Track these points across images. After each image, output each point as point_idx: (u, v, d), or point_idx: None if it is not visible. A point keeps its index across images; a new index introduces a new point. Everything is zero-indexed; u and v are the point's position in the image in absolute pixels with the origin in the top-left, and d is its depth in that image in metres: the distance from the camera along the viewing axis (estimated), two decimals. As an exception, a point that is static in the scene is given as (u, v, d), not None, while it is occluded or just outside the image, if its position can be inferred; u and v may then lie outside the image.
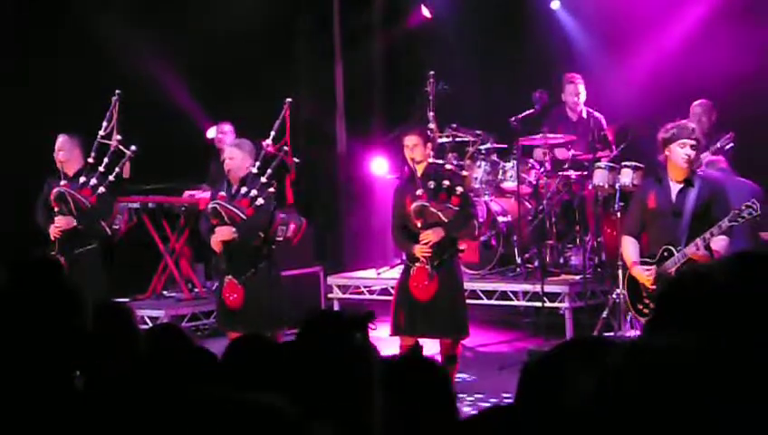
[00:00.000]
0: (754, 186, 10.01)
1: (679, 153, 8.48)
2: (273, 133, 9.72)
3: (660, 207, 8.67)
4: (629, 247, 8.83)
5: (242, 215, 9.45)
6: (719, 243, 8.33)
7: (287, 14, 14.17)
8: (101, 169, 10.02)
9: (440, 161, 9.22)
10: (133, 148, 10.14)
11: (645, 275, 8.63)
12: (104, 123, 10.24)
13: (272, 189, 9.52)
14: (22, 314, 2.90)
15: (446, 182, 8.92)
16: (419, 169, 9.01)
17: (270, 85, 12.65)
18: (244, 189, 9.52)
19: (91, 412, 2.82)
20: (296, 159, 9.84)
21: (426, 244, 8.87)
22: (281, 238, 9.71)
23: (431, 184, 8.93)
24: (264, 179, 9.52)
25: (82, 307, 2.98)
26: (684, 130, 8.50)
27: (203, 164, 12.87)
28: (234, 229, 9.44)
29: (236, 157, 9.63)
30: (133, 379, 3.98)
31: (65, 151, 10.12)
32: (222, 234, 9.46)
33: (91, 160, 10.07)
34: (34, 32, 12.94)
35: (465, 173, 9.93)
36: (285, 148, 9.76)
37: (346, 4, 14.74)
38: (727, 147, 11.02)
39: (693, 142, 8.49)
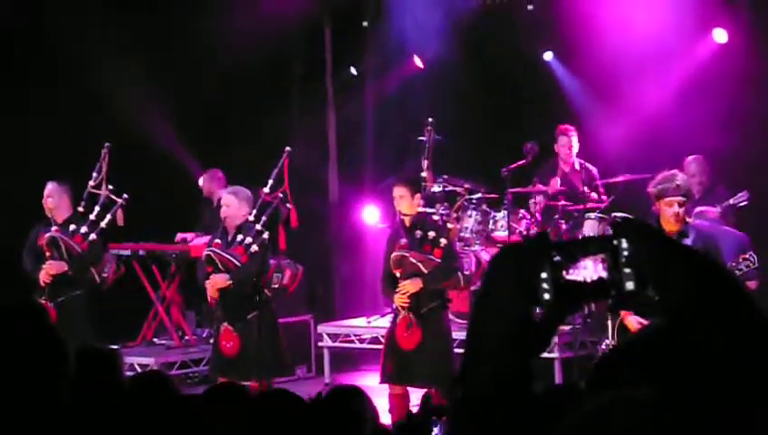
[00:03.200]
0: (742, 236, 10.03)
1: (667, 211, 8.45)
2: (270, 181, 9.78)
3: (654, 258, 8.65)
4: None
5: (236, 262, 9.49)
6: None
7: (280, 62, 14.24)
8: (92, 217, 10.06)
9: (430, 210, 9.28)
10: (125, 196, 10.19)
11: (637, 326, 8.65)
12: (94, 174, 10.31)
13: (265, 236, 9.57)
14: (5, 361, 2.91)
15: (432, 233, 8.98)
16: (407, 220, 9.07)
17: (262, 133, 12.72)
18: (239, 237, 9.56)
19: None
20: (289, 206, 9.89)
21: (403, 293, 8.93)
22: (276, 285, 9.74)
23: (418, 234, 8.99)
24: (258, 227, 9.56)
25: (66, 354, 2.99)
26: (669, 187, 8.40)
27: (194, 210, 12.89)
28: (228, 277, 9.47)
29: (232, 204, 9.68)
30: (114, 423, 4.01)
31: (53, 198, 10.16)
32: (216, 281, 9.50)
33: (81, 209, 10.12)
34: (30, 85, 12.96)
35: (450, 226, 10.00)
36: (280, 195, 9.81)
37: (339, 53, 14.82)
38: (741, 204, 11.02)
39: (680, 199, 8.42)
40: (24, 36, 12.72)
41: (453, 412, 1.99)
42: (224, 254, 9.51)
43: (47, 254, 10.00)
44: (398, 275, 9.01)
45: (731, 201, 10.98)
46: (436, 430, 4.08)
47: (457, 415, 1.97)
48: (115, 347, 11.01)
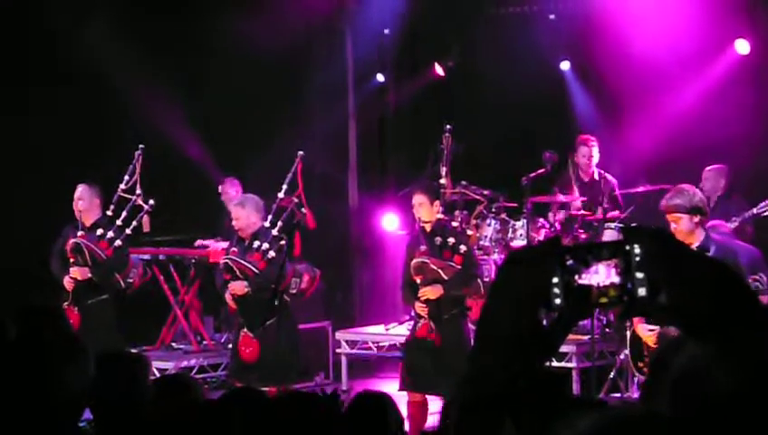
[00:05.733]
0: (756, 251, 9.99)
1: (674, 227, 8.41)
2: (285, 186, 9.82)
3: (671, 269, 8.61)
4: None
5: (254, 269, 9.51)
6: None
7: (301, 68, 14.27)
8: (119, 221, 10.09)
9: (448, 218, 9.30)
10: (151, 202, 10.23)
11: (648, 334, 8.65)
12: (126, 177, 10.34)
13: (282, 242, 9.59)
14: (24, 360, 2.93)
15: (452, 240, 8.99)
16: (427, 227, 9.09)
17: (283, 140, 12.74)
18: (256, 243, 9.59)
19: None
20: (304, 211, 9.90)
21: (423, 300, 8.94)
22: (294, 290, 9.77)
23: (437, 240, 9.00)
24: (275, 232, 9.58)
25: (83, 355, 3.01)
26: (667, 205, 8.35)
27: (215, 216, 12.93)
28: (246, 284, 9.50)
29: (241, 217, 9.69)
30: (140, 427, 4.03)
31: (84, 201, 10.16)
32: (235, 289, 9.53)
33: (109, 213, 10.14)
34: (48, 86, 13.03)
35: (470, 232, 10.00)
36: (296, 200, 9.85)
37: (359, 59, 14.85)
38: (765, 214, 10.96)
39: (675, 216, 8.28)
40: (49, 38, 12.77)
41: (457, 415, 1.98)
42: (241, 261, 9.54)
43: (71, 260, 10.02)
44: (418, 281, 9.02)
45: (754, 211, 10.93)
46: None
47: (461, 417, 1.97)
48: (134, 351, 11.10)
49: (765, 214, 11.01)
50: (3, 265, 11.87)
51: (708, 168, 11.41)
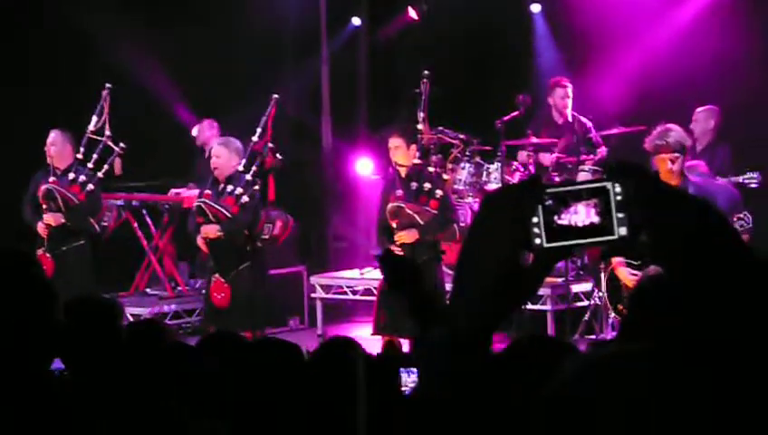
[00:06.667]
0: (735, 192, 10.02)
1: (661, 167, 8.49)
2: (259, 130, 9.79)
3: (651, 209, 8.66)
4: None
5: (227, 213, 9.50)
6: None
7: (276, 12, 14.17)
8: (90, 165, 10.06)
9: (424, 162, 9.27)
10: (122, 145, 10.18)
11: (630, 277, 8.69)
12: (94, 118, 10.28)
13: (256, 187, 9.57)
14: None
15: (428, 185, 8.97)
16: (402, 171, 9.06)
17: (256, 84, 12.67)
18: (230, 188, 9.58)
19: (69, 404, 2.84)
20: (279, 156, 9.89)
21: (399, 245, 8.92)
22: (267, 236, 9.76)
23: (413, 185, 8.99)
24: (248, 177, 9.56)
25: (53, 300, 2.98)
26: (660, 144, 8.43)
27: (189, 162, 12.87)
28: (218, 227, 9.49)
29: (222, 155, 9.69)
30: (113, 372, 4.02)
31: (56, 146, 10.14)
32: (207, 232, 9.52)
33: (79, 156, 10.10)
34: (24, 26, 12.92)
35: (446, 177, 9.96)
36: (270, 145, 9.81)
37: (333, 3, 14.76)
38: (751, 185, 10.80)
39: (672, 156, 8.42)
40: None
41: (428, 351, 1.96)
42: (214, 205, 9.52)
43: (44, 206, 9.99)
44: (393, 226, 9.00)
45: (740, 179, 10.80)
46: (405, 375, 4.06)
47: (434, 353, 1.95)
48: (108, 296, 11.07)
49: (752, 185, 10.86)
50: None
51: (699, 109, 11.34)
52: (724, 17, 12.23)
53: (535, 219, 1.89)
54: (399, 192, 8.95)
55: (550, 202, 1.89)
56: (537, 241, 1.89)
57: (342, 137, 14.85)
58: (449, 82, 12.11)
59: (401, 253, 8.89)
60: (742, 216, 8.36)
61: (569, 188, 1.92)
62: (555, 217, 1.89)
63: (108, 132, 10.20)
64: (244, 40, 13.63)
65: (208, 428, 3.31)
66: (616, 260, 8.81)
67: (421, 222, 8.93)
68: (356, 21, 14.95)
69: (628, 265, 8.75)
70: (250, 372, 3.74)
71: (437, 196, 8.99)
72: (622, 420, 1.59)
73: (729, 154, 11.05)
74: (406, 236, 8.94)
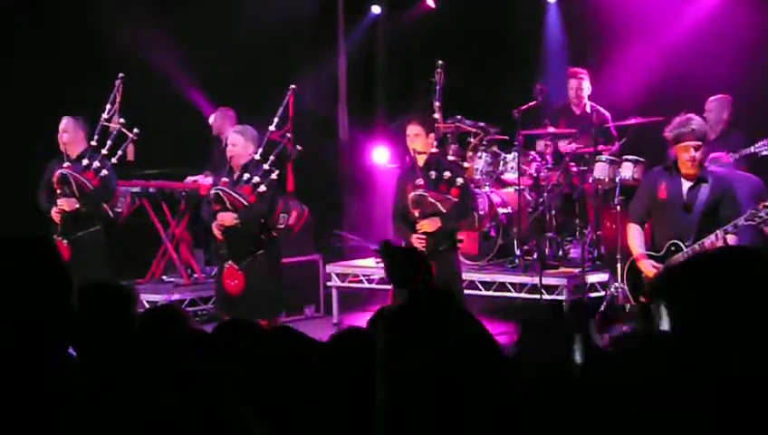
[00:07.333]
0: (758, 181, 10.00)
1: (683, 155, 8.52)
2: (276, 119, 9.79)
3: (671, 200, 8.69)
4: (636, 238, 8.88)
5: (244, 201, 9.50)
6: (730, 240, 8.37)
7: (292, 1, 14.15)
8: (104, 151, 10.10)
9: (441, 151, 9.24)
10: (136, 130, 10.21)
11: (652, 270, 8.68)
12: (107, 106, 10.32)
13: (274, 176, 9.57)
14: (8, 290, 2.89)
15: (447, 173, 8.92)
16: (420, 160, 9.02)
17: (273, 73, 12.66)
18: (246, 176, 9.58)
19: (81, 388, 2.83)
20: (298, 147, 9.90)
21: (422, 233, 8.88)
22: (282, 226, 9.76)
23: (432, 174, 8.94)
24: (266, 166, 9.56)
25: (70, 286, 2.97)
26: (685, 131, 8.48)
27: (205, 150, 12.87)
28: (235, 215, 9.49)
29: (239, 143, 9.69)
30: (126, 356, 4.01)
31: (69, 133, 10.19)
32: (224, 220, 9.52)
33: (93, 143, 10.14)
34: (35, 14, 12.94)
35: (466, 165, 9.90)
36: (288, 135, 9.81)
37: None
38: (764, 153, 10.83)
39: (695, 144, 8.50)
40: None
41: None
42: (232, 193, 9.52)
43: (58, 191, 10.02)
44: (416, 214, 8.95)
45: (752, 149, 10.78)
46: None
47: None
48: (124, 283, 11.07)
49: (763, 153, 10.86)
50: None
51: (712, 98, 11.28)
52: (741, 6, 12.17)
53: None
54: (420, 181, 8.91)
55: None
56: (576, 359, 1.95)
57: (359, 126, 14.84)
58: (467, 71, 12.10)
59: (423, 242, 8.85)
60: None
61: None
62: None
63: (121, 120, 10.22)
64: (262, 28, 13.61)
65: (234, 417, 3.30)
66: (638, 251, 8.82)
67: (443, 210, 8.89)
68: (376, 9, 14.93)
69: (650, 256, 8.76)
70: (265, 359, 3.74)
71: (458, 184, 8.94)
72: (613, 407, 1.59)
73: (742, 141, 11.01)
74: (428, 225, 8.88)
